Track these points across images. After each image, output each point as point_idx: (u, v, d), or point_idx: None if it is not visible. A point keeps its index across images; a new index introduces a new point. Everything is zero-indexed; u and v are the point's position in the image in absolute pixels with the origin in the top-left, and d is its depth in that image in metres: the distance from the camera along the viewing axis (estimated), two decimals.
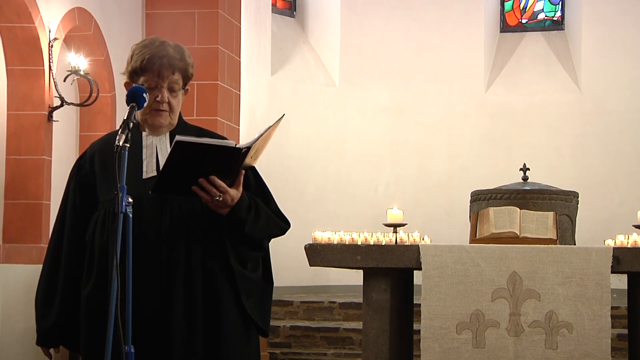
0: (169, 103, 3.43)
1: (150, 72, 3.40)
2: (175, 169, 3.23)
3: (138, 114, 3.44)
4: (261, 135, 3.31)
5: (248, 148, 3.26)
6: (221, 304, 3.41)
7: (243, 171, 3.34)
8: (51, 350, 3.60)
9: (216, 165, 3.26)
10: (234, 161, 3.27)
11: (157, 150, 3.45)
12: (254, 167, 3.53)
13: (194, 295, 3.38)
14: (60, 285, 3.51)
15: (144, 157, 3.44)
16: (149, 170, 3.42)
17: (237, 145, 3.26)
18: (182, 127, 3.52)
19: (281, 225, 3.55)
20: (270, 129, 3.34)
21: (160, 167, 3.36)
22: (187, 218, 3.39)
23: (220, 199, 3.29)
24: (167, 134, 3.47)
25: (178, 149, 3.19)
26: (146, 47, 3.43)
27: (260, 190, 3.56)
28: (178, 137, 3.20)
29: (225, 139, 3.40)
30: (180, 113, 3.53)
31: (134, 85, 3.38)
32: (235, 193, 3.32)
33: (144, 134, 3.48)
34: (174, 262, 3.37)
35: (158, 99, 3.41)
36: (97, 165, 3.51)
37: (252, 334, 3.54)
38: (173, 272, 3.36)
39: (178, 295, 3.36)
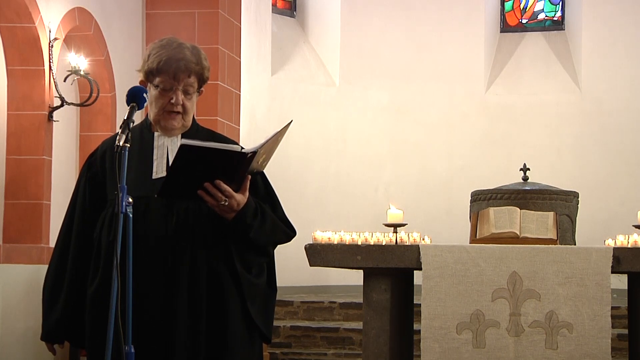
0: (183, 105, 3.43)
1: (166, 74, 3.39)
2: (180, 173, 3.22)
3: (151, 114, 3.44)
4: (268, 140, 3.30)
5: (254, 153, 3.25)
6: (226, 307, 3.40)
7: (249, 176, 3.33)
8: (55, 346, 3.60)
9: (222, 169, 3.24)
10: (239, 166, 3.26)
11: (168, 151, 3.44)
12: (263, 173, 3.53)
13: (198, 297, 3.37)
14: (67, 282, 3.51)
15: (154, 157, 3.43)
16: (158, 171, 3.42)
17: (243, 150, 3.25)
18: (195, 129, 3.52)
19: (287, 232, 3.54)
20: (277, 134, 3.33)
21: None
22: (194, 219, 3.38)
23: (226, 203, 3.28)
24: (179, 135, 3.46)
25: (183, 153, 3.18)
26: (163, 47, 3.41)
27: (268, 196, 3.55)
28: (183, 141, 3.20)
29: (236, 143, 3.39)
30: (193, 115, 3.53)
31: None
32: (241, 198, 3.31)
33: (156, 134, 3.47)
34: (179, 262, 3.36)
35: (172, 101, 3.40)
36: (107, 163, 3.50)
37: (256, 340, 3.53)
38: (178, 273, 3.36)
39: (182, 297, 3.35)
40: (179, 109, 3.42)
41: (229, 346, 3.40)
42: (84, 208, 3.53)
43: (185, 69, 3.40)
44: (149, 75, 3.42)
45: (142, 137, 3.42)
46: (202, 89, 3.51)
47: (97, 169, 3.53)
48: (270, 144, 3.31)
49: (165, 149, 3.44)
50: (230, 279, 3.42)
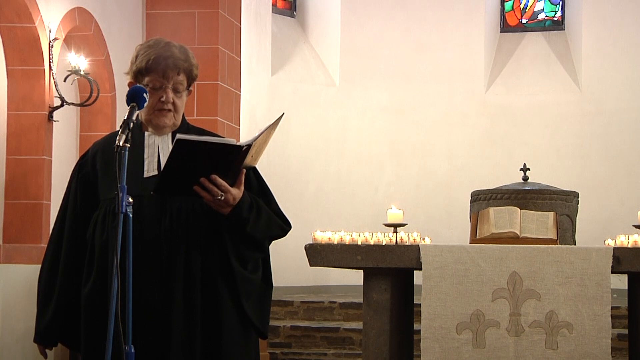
0: (173, 103, 3.44)
1: (155, 73, 3.40)
2: (176, 168, 3.23)
3: (142, 113, 3.44)
4: (261, 133, 3.32)
5: (249, 146, 3.27)
6: (221, 305, 3.41)
7: (244, 170, 3.34)
8: (48, 349, 3.60)
9: (217, 163, 3.26)
10: (234, 159, 3.27)
11: (158, 149, 3.45)
12: (255, 168, 3.54)
13: (193, 295, 3.38)
14: (59, 283, 3.52)
15: (145, 156, 3.45)
16: (150, 170, 3.43)
17: (238, 143, 3.26)
18: (185, 127, 3.53)
19: (282, 226, 3.55)
20: (269, 128, 3.34)
21: (162, 167, 3.36)
22: (187, 218, 3.39)
23: (222, 198, 3.29)
24: (170, 134, 3.48)
25: (179, 147, 3.19)
26: (151, 47, 3.43)
27: (261, 191, 3.57)
28: (179, 136, 3.21)
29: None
30: (183, 114, 3.54)
31: (135, 85, 3.38)
32: (236, 192, 3.32)
33: (146, 133, 3.48)
34: (174, 262, 3.37)
35: (163, 99, 3.41)
36: (99, 164, 3.51)
37: (251, 336, 3.54)
38: (172, 272, 3.37)
39: (177, 295, 3.36)
40: (169, 107, 3.43)
41: (225, 342, 3.42)
42: (76, 208, 3.54)
43: (174, 67, 3.41)
44: (138, 75, 3.43)
45: (132, 137, 3.42)
46: (191, 88, 3.52)
47: (89, 169, 3.54)
48: (263, 137, 3.32)
49: (156, 148, 3.46)
50: (226, 276, 3.43)
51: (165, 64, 3.40)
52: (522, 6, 12.68)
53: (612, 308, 5.46)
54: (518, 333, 5.44)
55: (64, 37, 7.59)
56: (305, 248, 5.76)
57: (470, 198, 7.40)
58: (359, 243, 5.74)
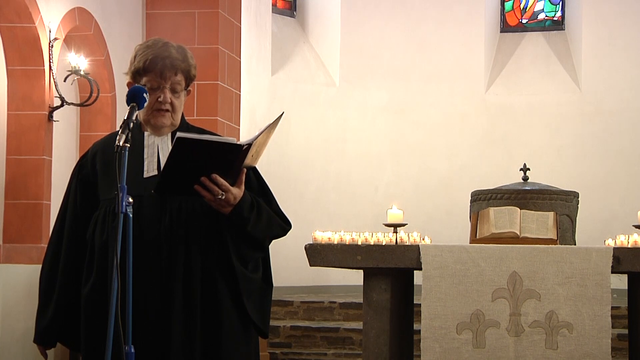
0: (171, 104, 3.44)
1: (152, 73, 3.41)
2: (177, 167, 3.23)
3: (140, 114, 3.44)
4: (261, 132, 3.32)
5: (249, 145, 3.27)
6: (221, 305, 3.42)
7: (244, 169, 3.35)
8: (47, 351, 3.60)
9: (218, 162, 3.26)
10: (235, 158, 3.27)
11: (158, 149, 3.45)
12: (255, 168, 3.54)
13: (193, 295, 3.38)
14: (59, 284, 3.52)
15: (145, 156, 3.45)
16: (149, 170, 3.43)
17: (239, 142, 3.26)
18: (184, 127, 3.53)
19: (283, 225, 3.56)
20: (269, 127, 3.34)
21: (162, 167, 3.36)
22: (187, 218, 3.39)
23: (223, 197, 3.29)
24: (169, 134, 3.48)
25: (179, 145, 3.19)
26: (149, 47, 3.44)
27: (261, 191, 3.57)
28: (179, 134, 3.21)
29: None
30: (182, 114, 3.54)
31: (135, 85, 3.38)
32: (237, 191, 3.33)
33: (145, 133, 3.48)
34: (174, 262, 3.37)
35: (160, 99, 3.41)
36: (98, 164, 3.52)
37: (252, 335, 3.55)
38: (172, 272, 3.37)
39: (177, 296, 3.37)
40: (167, 107, 3.43)
41: (225, 342, 3.42)
42: (76, 209, 3.55)
43: (171, 67, 3.41)
44: (136, 75, 3.44)
45: (132, 137, 3.42)
46: (190, 88, 3.52)
47: (89, 170, 3.54)
48: (263, 136, 3.32)
49: (156, 148, 3.46)
50: (226, 276, 3.43)
51: (162, 64, 3.40)
52: (522, 6, 12.68)
53: (612, 308, 5.46)
54: (518, 333, 5.44)
55: (64, 37, 7.59)
56: (305, 248, 5.76)
57: (470, 198, 7.40)
58: (359, 243, 5.74)
